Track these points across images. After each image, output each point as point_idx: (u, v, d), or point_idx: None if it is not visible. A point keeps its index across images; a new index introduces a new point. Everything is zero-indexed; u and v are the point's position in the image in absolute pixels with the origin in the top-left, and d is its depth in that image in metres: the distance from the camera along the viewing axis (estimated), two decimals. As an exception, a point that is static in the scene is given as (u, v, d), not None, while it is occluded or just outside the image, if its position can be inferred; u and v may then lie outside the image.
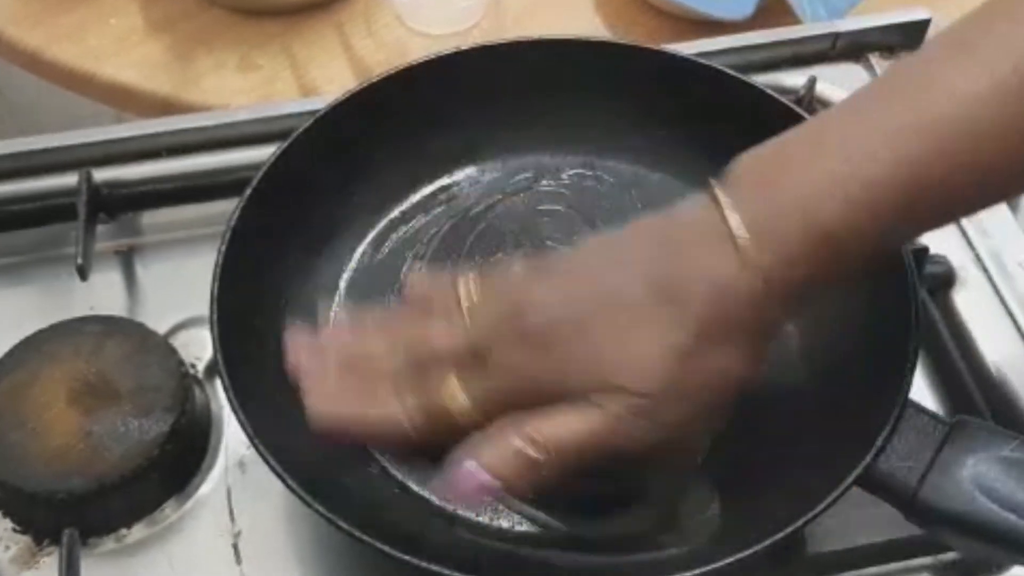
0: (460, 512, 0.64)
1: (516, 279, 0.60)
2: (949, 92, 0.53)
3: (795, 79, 0.84)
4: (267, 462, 0.59)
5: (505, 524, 0.64)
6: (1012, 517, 0.55)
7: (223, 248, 0.66)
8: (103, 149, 0.80)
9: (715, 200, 0.55)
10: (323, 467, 0.63)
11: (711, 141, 0.75)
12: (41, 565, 0.66)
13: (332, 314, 0.72)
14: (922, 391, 0.71)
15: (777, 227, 0.53)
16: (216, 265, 0.65)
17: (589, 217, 0.76)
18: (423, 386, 0.59)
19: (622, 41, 0.80)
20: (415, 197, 0.77)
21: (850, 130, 0.55)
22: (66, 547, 0.65)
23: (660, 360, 0.55)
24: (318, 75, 0.96)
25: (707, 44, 0.83)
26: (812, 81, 0.83)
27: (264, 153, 0.71)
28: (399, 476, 0.65)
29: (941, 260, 0.75)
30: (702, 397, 0.56)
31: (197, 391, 0.70)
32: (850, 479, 0.57)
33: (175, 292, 0.76)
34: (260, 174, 0.69)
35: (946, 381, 0.72)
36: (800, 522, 0.57)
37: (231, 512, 0.68)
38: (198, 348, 0.73)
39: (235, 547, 0.67)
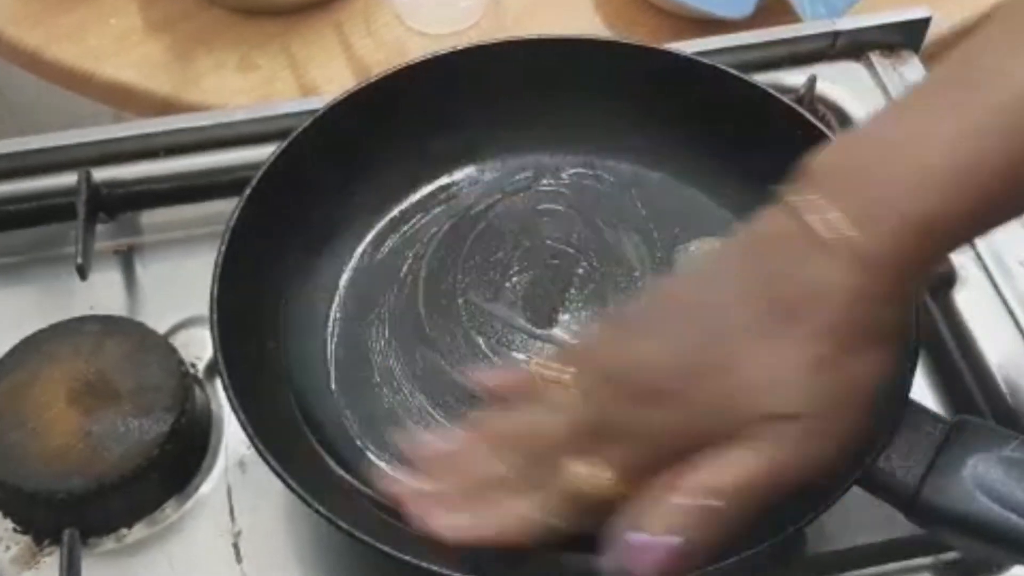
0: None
1: (607, 344, 0.58)
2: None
3: (795, 78, 0.84)
4: (267, 462, 0.59)
5: (505, 524, 0.64)
6: (1013, 517, 0.55)
7: (223, 248, 0.66)
8: (102, 149, 0.80)
9: (804, 204, 0.53)
10: (323, 467, 0.64)
11: (711, 140, 0.75)
12: (41, 565, 0.66)
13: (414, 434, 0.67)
14: (923, 391, 0.71)
15: (877, 222, 0.52)
16: (216, 265, 0.65)
17: (589, 217, 0.76)
18: (549, 479, 0.56)
19: (622, 40, 0.79)
20: (415, 197, 0.77)
21: (930, 119, 0.54)
22: (66, 547, 0.65)
23: (801, 376, 0.53)
24: (317, 75, 0.96)
25: (707, 43, 0.83)
26: (812, 80, 0.83)
27: (263, 153, 0.71)
28: (399, 475, 0.65)
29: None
30: (855, 401, 0.54)
31: (197, 391, 0.70)
32: (850, 479, 0.57)
33: (175, 292, 0.76)
34: (259, 174, 0.69)
35: (947, 381, 0.72)
36: (804, 521, 0.57)
37: (231, 512, 0.68)
38: (198, 348, 0.73)
39: (235, 547, 0.67)
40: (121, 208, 0.80)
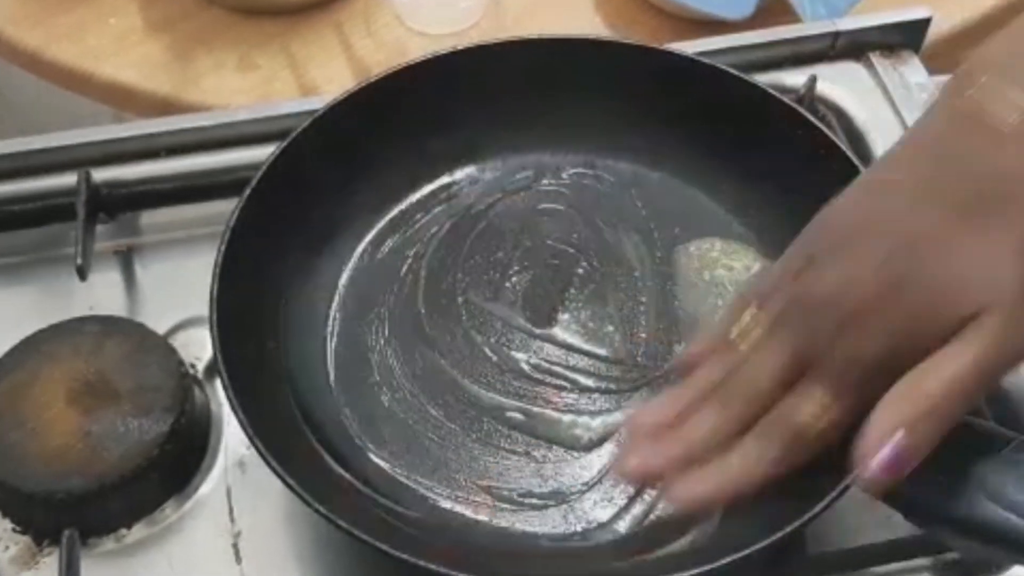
0: (459, 511, 0.64)
1: (798, 279, 0.57)
2: None
3: (795, 78, 0.84)
4: (266, 461, 0.59)
5: (504, 523, 0.64)
6: (1012, 517, 0.55)
7: (222, 247, 0.66)
8: (102, 149, 0.80)
9: (980, 92, 0.53)
10: (322, 466, 0.64)
11: (711, 140, 0.75)
12: (41, 565, 0.66)
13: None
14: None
15: None
16: (215, 265, 0.65)
17: (589, 216, 0.76)
18: (773, 424, 0.56)
19: (623, 40, 0.79)
20: (415, 196, 0.77)
21: None
22: (66, 547, 0.65)
23: (1004, 266, 0.53)
24: (317, 75, 0.96)
25: (707, 43, 0.83)
26: (812, 80, 0.83)
27: (263, 153, 0.71)
28: (399, 475, 0.65)
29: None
30: None
31: (197, 391, 0.70)
32: (848, 479, 0.57)
33: (174, 292, 0.76)
34: (259, 174, 0.69)
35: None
36: (799, 522, 0.57)
37: (231, 512, 0.68)
38: (198, 348, 0.73)
39: (235, 547, 0.67)
40: (121, 208, 0.80)
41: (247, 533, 0.67)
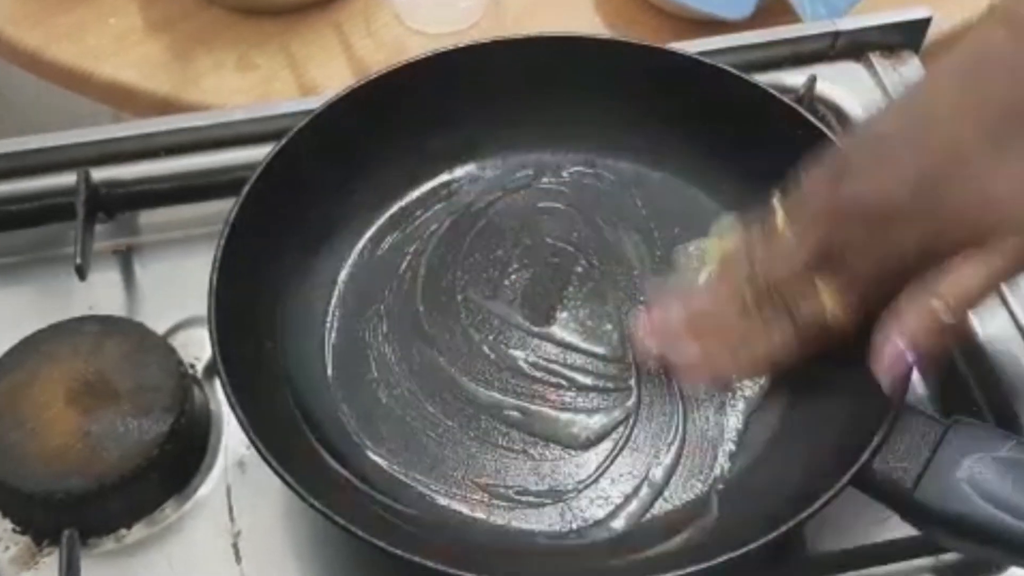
0: (456, 508, 0.64)
1: (827, 180, 0.60)
2: None
3: (795, 78, 0.84)
4: (265, 459, 0.59)
5: (500, 521, 0.64)
6: (1007, 518, 0.55)
7: (221, 243, 0.66)
8: (102, 149, 0.80)
9: (1003, 9, 0.55)
10: (321, 464, 0.64)
11: (711, 140, 0.75)
12: (41, 566, 0.66)
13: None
14: (921, 392, 0.71)
15: None
16: (215, 260, 0.66)
17: (589, 215, 0.76)
18: (784, 309, 0.61)
19: (623, 39, 0.79)
20: (415, 194, 0.77)
21: None
22: (66, 547, 0.64)
23: None
24: (317, 75, 0.96)
25: (707, 43, 0.83)
26: (812, 80, 0.83)
27: (262, 153, 0.71)
28: (397, 472, 0.65)
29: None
30: None
31: (196, 391, 0.70)
32: (846, 478, 0.57)
33: (174, 292, 0.76)
34: (258, 172, 0.69)
35: (946, 381, 0.72)
36: (794, 521, 0.57)
37: (231, 512, 0.68)
38: (197, 348, 0.73)
39: (235, 547, 0.67)
40: (120, 208, 0.80)
41: (247, 533, 0.67)
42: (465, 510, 0.64)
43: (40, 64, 0.99)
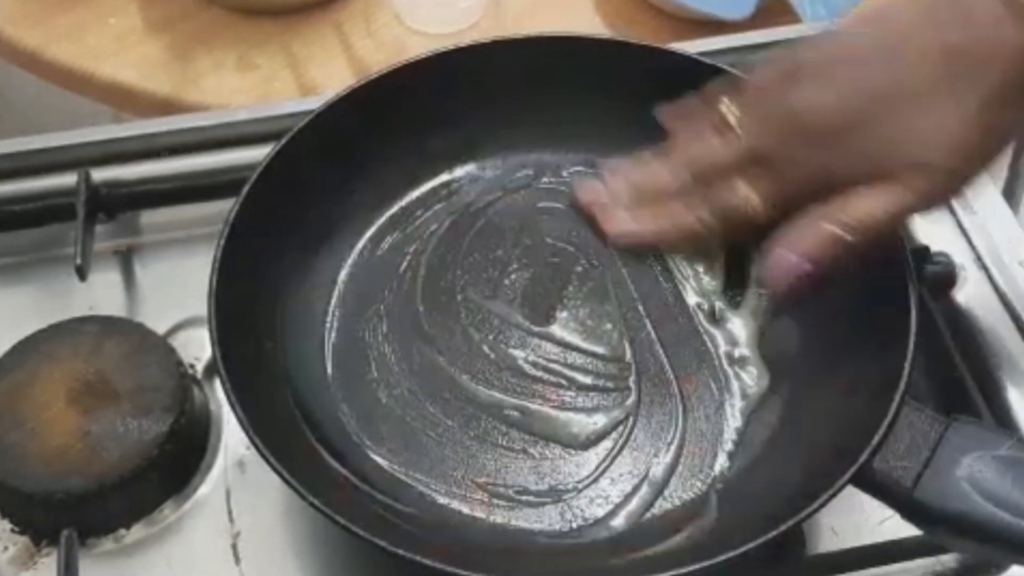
0: (455, 508, 0.64)
1: (780, 84, 0.63)
2: None
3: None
4: (265, 458, 0.59)
5: (500, 520, 0.64)
6: (1007, 516, 0.55)
7: (221, 243, 0.66)
8: (102, 149, 0.81)
9: None
10: (321, 464, 0.64)
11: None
12: (39, 566, 0.66)
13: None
14: (921, 391, 0.71)
15: None
16: (215, 260, 0.65)
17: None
18: (713, 196, 0.66)
19: (624, 39, 0.79)
20: (415, 193, 0.77)
21: None
22: (64, 548, 0.64)
23: (964, 131, 0.57)
24: (317, 75, 0.96)
25: (708, 43, 0.83)
26: (812, 80, 0.83)
27: (262, 153, 0.71)
28: (396, 471, 0.65)
29: (942, 259, 0.75)
30: (996, 154, 0.60)
31: (196, 391, 0.70)
32: (846, 477, 0.57)
33: (174, 292, 0.76)
34: (258, 172, 0.69)
35: (946, 381, 0.72)
36: (794, 520, 0.57)
37: (230, 512, 0.68)
38: (197, 348, 0.73)
39: (234, 547, 0.67)
40: (120, 208, 0.80)
41: (246, 533, 0.67)
42: (465, 509, 0.64)
43: (40, 64, 0.99)
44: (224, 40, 0.98)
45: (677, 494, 0.64)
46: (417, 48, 0.77)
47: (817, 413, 0.65)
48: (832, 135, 0.61)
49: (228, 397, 0.61)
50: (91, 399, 0.67)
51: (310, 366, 0.69)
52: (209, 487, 0.69)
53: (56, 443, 0.66)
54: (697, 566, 0.56)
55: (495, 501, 0.64)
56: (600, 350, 0.70)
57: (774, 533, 0.56)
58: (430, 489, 0.65)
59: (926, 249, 0.73)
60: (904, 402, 0.59)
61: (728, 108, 0.66)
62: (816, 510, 0.57)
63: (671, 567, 0.56)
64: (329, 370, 0.69)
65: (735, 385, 0.68)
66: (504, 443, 0.66)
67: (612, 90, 0.76)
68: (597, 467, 0.65)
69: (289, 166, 0.71)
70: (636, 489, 0.64)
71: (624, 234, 0.71)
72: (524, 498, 0.64)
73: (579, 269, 0.73)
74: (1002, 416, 0.68)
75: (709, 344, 0.69)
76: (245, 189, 0.69)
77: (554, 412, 0.67)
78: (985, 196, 0.78)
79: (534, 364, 0.69)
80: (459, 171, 0.78)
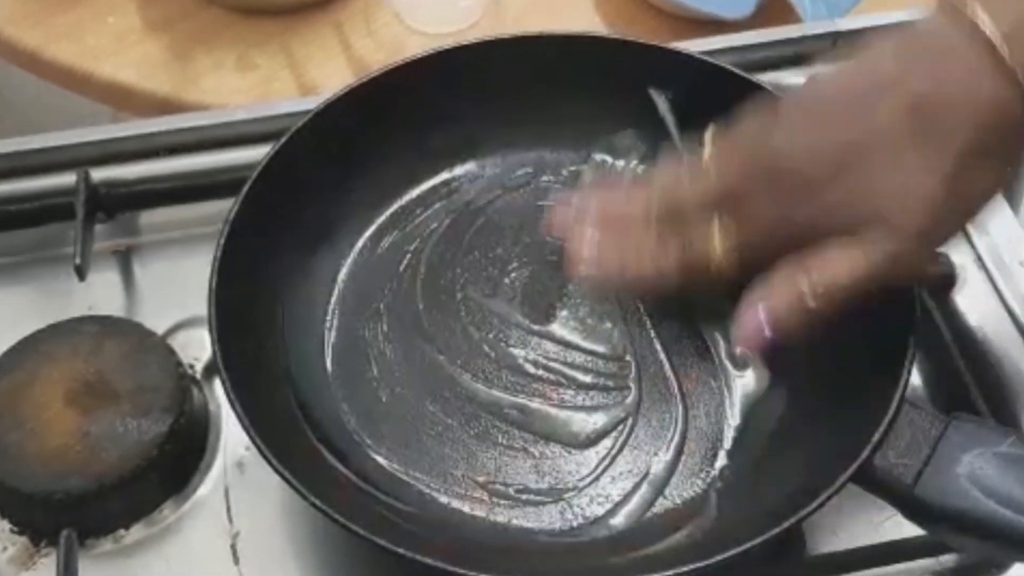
0: (456, 506, 0.64)
1: (756, 128, 0.61)
2: None
3: (796, 78, 0.84)
4: (265, 457, 0.59)
5: (501, 519, 0.64)
6: (1008, 513, 0.55)
7: (221, 242, 0.66)
8: (101, 148, 0.80)
9: (963, 8, 0.55)
10: (321, 463, 0.63)
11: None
12: (39, 566, 0.66)
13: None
14: (921, 390, 0.71)
15: None
16: (215, 259, 0.65)
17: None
18: (679, 233, 0.63)
19: (623, 37, 0.79)
20: (414, 192, 0.77)
21: None
22: (64, 548, 0.64)
23: (931, 191, 0.55)
24: (317, 74, 0.96)
25: (708, 43, 0.83)
26: (813, 80, 0.83)
27: (262, 153, 0.71)
28: (397, 470, 0.65)
29: (942, 260, 0.75)
30: (967, 215, 0.58)
31: (195, 391, 0.70)
32: (846, 475, 0.57)
33: (173, 292, 0.76)
34: (257, 171, 0.69)
35: (946, 380, 0.72)
36: (795, 518, 0.57)
37: (229, 513, 0.68)
38: (196, 348, 0.72)
39: (233, 548, 0.67)
40: (120, 208, 0.79)
41: (245, 534, 0.67)
42: (465, 508, 0.64)
43: (40, 64, 0.99)
44: (224, 40, 0.98)
45: (677, 493, 0.64)
46: (417, 48, 0.77)
47: (817, 411, 0.65)
48: (801, 183, 0.59)
49: (228, 396, 0.61)
50: (90, 399, 0.67)
51: (310, 365, 0.69)
52: (208, 487, 0.69)
53: (55, 443, 0.66)
54: (697, 565, 0.56)
55: (495, 500, 0.64)
56: (600, 349, 0.70)
57: (774, 532, 0.56)
58: (430, 488, 0.65)
59: (926, 249, 0.73)
60: (904, 400, 0.59)
61: (706, 146, 0.64)
62: (816, 508, 0.57)
63: (671, 566, 0.56)
64: (329, 369, 0.69)
65: (735, 383, 0.68)
66: (504, 442, 0.66)
67: (612, 88, 0.76)
68: (597, 466, 0.65)
69: (288, 165, 0.71)
70: (636, 488, 0.65)
71: (586, 272, 0.67)
72: (524, 497, 0.64)
73: (579, 268, 0.73)
74: (1004, 416, 0.68)
75: (709, 342, 0.69)
76: (244, 189, 0.69)
77: (554, 411, 0.67)
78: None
79: (534, 363, 0.69)
80: (459, 169, 0.78)
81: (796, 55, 0.86)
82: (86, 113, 1.08)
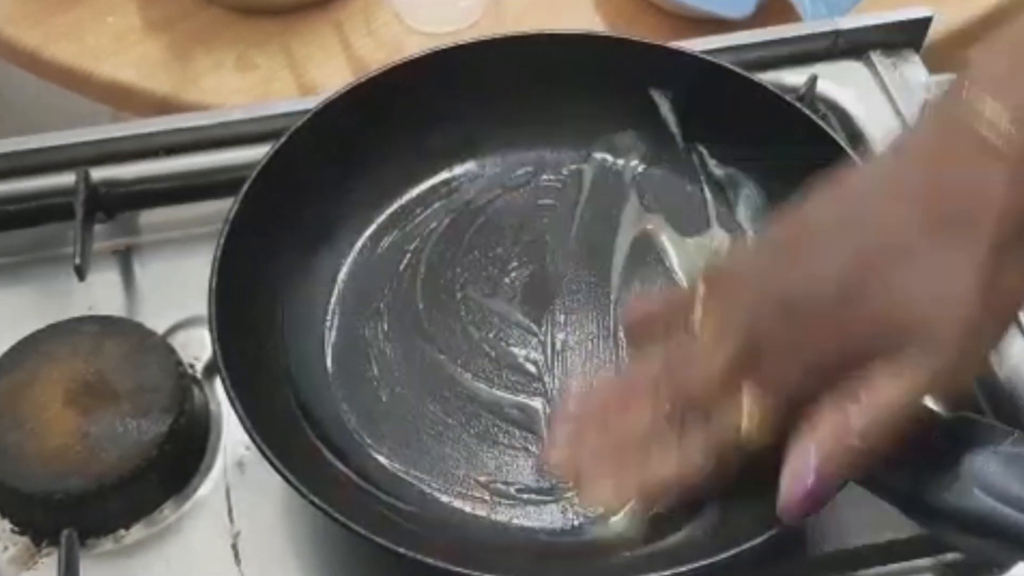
0: (457, 506, 0.64)
1: (759, 272, 0.57)
2: None
3: (796, 77, 0.83)
4: (265, 456, 0.59)
5: (502, 518, 0.64)
6: (1009, 511, 0.55)
7: (221, 242, 0.66)
8: (101, 148, 0.80)
9: (968, 101, 0.51)
10: (322, 462, 0.63)
11: (712, 138, 0.75)
12: (40, 566, 0.66)
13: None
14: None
15: None
16: (214, 259, 0.65)
17: (588, 213, 0.76)
18: (697, 419, 0.57)
19: (623, 36, 0.79)
20: (414, 192, 0.77)
21: None
22: (64, 548, 0.64)
23: (965, 300, 0.51)
24: (316, 74, 0.96)
25: (708, 42, 0.83)
26: (813, 79, 0.83)
27: (261, 153, 0.71)
28: (397, 470, 0.65)
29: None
30: (1006, 318, 0.53)
31: (196, 391, 0.70)
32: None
33: (173, 292, 0.75)
34: (256, 171, 0.69)
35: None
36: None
37: (230, 513, 0.68)
38: (196, 348, 0.72)
39: (234, 547, 0.66)
40: (119, 208, 0.79)
41: (246, 534, 0.67)
42: (466, 508, 0.64)
43: (39, 64, 0.99)
44: (223, 40, 0.98)
45: (678, 492, 0.64)
46: (416, 47, 0.77)
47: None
48: (829, 313, 0.53)
49: (228, 396, 0.61)
50: (90, 399, 0.67)
51: (310, 365, 0.69)
52: (209, 487, 0.69)
53: (55, 443, 0.66)
54: (697, 565, 0.56)
55: (496, 499, 0.64)
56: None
57: (775, 531, 0.56)
58: (431, 487, 0.65)
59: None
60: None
61: (707, 307, 0.57)
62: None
63: (672, 565, 0.56)
64: (329, 368, 0.69)
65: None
66: (505, 441, 0.66)
67: (612, 88, 0.76)
68: (597, 465, 0.65)
69: (288, 165, 0.71)
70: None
71: (605, 501, 0.60)
72: (526, 496, 0.64)
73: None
74: (1004, 415, 0.68)
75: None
76: (244, 188, 0.69)
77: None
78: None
79: (534, 362, 0.69)
80: (458, 169, 0.78)
81: (796, 54, 0.86)
82: (86, 113, 1.08)
